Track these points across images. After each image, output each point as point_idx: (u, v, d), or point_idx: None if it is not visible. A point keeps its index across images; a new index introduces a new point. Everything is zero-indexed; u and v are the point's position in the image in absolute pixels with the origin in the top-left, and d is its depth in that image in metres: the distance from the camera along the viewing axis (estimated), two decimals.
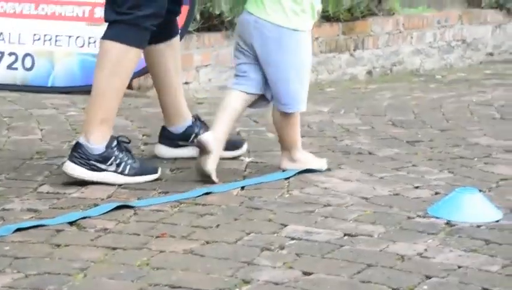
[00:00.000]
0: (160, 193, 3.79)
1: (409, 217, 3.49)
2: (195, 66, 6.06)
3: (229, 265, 2.96)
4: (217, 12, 5.99)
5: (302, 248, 3.15)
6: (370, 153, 4.48)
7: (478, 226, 3.39)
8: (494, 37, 7.95)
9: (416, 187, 3.90)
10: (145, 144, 4.63)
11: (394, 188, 3.88)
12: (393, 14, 7.10)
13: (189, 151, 4.29)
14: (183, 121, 4.37)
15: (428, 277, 2.88)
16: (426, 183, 3.97)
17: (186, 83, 6.01)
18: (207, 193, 3.77)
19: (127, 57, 3.97)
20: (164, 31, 4.19)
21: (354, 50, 6.71)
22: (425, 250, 3.13)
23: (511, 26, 8.08)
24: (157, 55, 4.30)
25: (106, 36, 3.99)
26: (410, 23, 7.24)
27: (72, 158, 3.88)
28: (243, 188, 3.88)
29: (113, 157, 3.91)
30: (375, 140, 4.76)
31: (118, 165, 3.92)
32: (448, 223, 3.41)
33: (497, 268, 2.98)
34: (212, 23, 6.04)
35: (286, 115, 4.06)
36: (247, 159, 4.34)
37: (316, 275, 2.90)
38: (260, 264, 2.98)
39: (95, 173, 3.87)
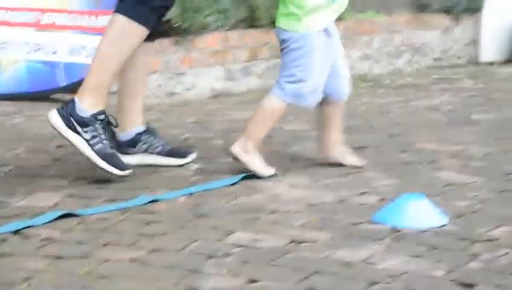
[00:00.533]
0: (106, 200, 3.77)
1: (354, 224, 3.51)
2: None
3: (174, 273, 2.96)
4: (166, 18, 5.98)
5: (247, 255, 3.15)
6: (316, 159, 4.49)
7: (423, 232, 3.41)
8: (442, 42, 8.02)
9: (363, 193, 3.91)
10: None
11: (340, 194, 3.89)
12: (343, 19, 7.12)
13: (135, 159, 4.28)
14: (134, 128, 4.38)
15: (373, 283, 2.88)
16: (373, 189, 3.99)
17: None
18: (153, 201, 3.76)
19: (130, 31, 4.09)
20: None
21: None
22: (370, 256, 3.14)
23: (458, 31, 8.14)
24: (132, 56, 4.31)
25: (116, 9, 4.13)
26: (359, 28, 7.27)
27: (59, 108, 4.02)
28: (190, 195, 3.88)
29: (92, 127, 4.01)
30: None
31: (93, 137, 4.00)
32: (393, 229, 3.43)
33: (441, 273, 2.99)
34: (161, 29, 6.03)
35: (271, 103, 4.24)
36: (195, 166, 4.34)
37: (262, 282, 2.90)
38: (205, 272, 2.98)
39: (69, 131, 3.98)
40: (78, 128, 3.99)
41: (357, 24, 7.22)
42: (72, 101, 4.04)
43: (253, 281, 2.91)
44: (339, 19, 7.03)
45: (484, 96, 6.47)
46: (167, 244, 3.25)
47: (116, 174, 4.00)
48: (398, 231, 3.41)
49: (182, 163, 4.35)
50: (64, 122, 3.98)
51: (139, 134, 4.35)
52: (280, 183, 4.07)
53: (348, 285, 2.88)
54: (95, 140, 4.00)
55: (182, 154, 4.37)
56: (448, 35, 7.99)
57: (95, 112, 4.02)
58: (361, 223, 3.52)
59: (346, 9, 7.07)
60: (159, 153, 4.34)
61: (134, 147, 4.33)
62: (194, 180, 4.11)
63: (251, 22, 6.38)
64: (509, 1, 8.04)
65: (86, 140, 3.98)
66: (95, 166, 3.98)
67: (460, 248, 3.26)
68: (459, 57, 8.25)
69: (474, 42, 8.24)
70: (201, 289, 2.84)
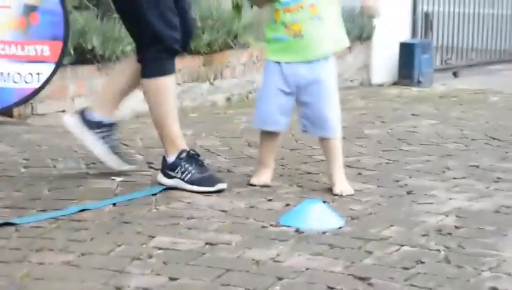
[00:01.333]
0: (39, 210, 3.72)
1: (263, 227, 3.54)
2: (70, 96, 6.01)
3: (103, 274, 2.95)
4: (89, 47, 5.96)
5: (168, 256, 3.16)
6: (228, 171, 4.51)
7: (323, 233, 3.46)
8: (337, 67, 8.09)
9: (269, 200, 3.94)
10: (25, 167, 4.53)
11: (250, 201, 3.92)
12: (248, 47, 7.17)
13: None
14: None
15: (280, 279, 2.92)
16: (278, 196, 4.02)
17: (63, 111, 5.95)
18: (82, 210, 3.73)
19: (164, 85, 4.19)
20: None
21: (214, 80, 6.75)
22: (277, 255, 3.18)
23: (351, 57, 8.22)
24: None
25: (143, 76, 4.17)
26: (263, 55, 7.31)
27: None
28: (114, 204, 3.86)
29: (179, 167, 4.14)
30: (233, 159, 4.79)
31: (183, 173, 4.12)
32: (297, 230, 3.47)
33: (340, 269, 3.04)
34: (85, 57, 6.00)
35: None
36: (119, 179, 4.31)
37: (181, 280, 2.92)
38: (131, 272, 2.98)
39: (168, 179, 4.16)
40: (172, 174, 4.15)
41: (261, 51, 7.26)
42: (163, 158, 4.22)
43: (174, 279, 2.93)
44: (245, 47, 7.17)
45: (374, 114, 6.53)
46: (95, 249, 3.24)
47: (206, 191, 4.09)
48: (302, 232, 3.46)
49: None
50: (165, 176, 4.17)
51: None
52: (195, 193, 4.07)
53: (258, 281, 2.91)
54: (184, 174, 4.13)
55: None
56: (343, 61, 8.06)
57: (177, 155, 4.16)
58: (269, 226, 3.55)
59: (251, 38, 7.27)
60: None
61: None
62: (118, 192, 4.09)
63: None
64: (395, 31, 8.15)
65: (180, 178, 4.13)
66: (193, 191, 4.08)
67: (356, 246, 3.30)
68: (352, 80, 8.35)
69: (366, 66, 8.34)
70: (127, 288, 2.85)
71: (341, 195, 3.96)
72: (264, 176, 4.20)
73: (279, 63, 4.02)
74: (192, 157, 4.18)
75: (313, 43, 3.97)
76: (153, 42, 4.08)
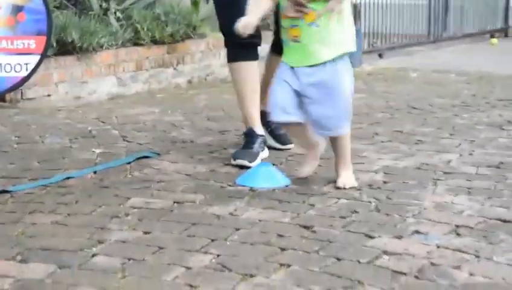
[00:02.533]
0: (30, 179, 3.71)
1: (221, 187, 3.56)
2: (54, 82, 5.96)
3: (87, 231, 2.97)
4: (69, 40, 5.90)
5: (142, 214, 3.17)
6: (191, 141, 4.50)
7: (273, 190, 3.48)
8: None
9: (227, 164, 3.95)
10: (17, 143, 4.48)
11: (210, 166, 3.92)
12: (205, 37, 7.15)
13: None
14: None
15: (237, 229, 2.96)
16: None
17: (48, 95, 5.90)
18: (67, 178, 3.71)
19: (253, 69, 4.14)
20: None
21: (177, 65, 6.71)
22: (235, 210, 3.20)
23: None
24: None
25: (234, 59, 4.13)
26: (218, 43, 7.30)
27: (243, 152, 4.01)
28: (95, 172, 3.84)
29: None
30: (195, 131, 4.77)
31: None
32: (251, 189, 3.49)
33: (287, 220, 3.08)
34: (66, 48, 5.95)
35: None
36: (98, 151, 4.28)
37: (154, 234, 2.94)
38: (111, 228, 3.01)
39: (261, 153, 4.02)
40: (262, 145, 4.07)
41: (217, 40, 7.24)
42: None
43: (147, 233, 2.95)
44: (203, 37, 7.14)
45: None
46: (79, 210, 3.24)
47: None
48: (255, 190, 3.49)
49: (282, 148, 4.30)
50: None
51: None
52: (163, 160, 4.07)
53: (219, 232, 2.94)
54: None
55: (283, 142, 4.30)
56: None
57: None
58: (227, 186, 3.57)
59: (208, 29, 7.24)
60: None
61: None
62: (97, 161, 4.07)
63: (136, 40, 6.35)
64: None
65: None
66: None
67: (301, 200, 3.34)
68: None
69: None
70: (109, 241, 2.86)
71: (344, 187, 3.52)
72: (306, 167, 3.74)
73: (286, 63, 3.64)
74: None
75: (310, 49, 3.51)
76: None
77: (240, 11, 3.58)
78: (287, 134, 4.21)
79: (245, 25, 3.49)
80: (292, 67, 3.57)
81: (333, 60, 3.51)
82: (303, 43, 3.51)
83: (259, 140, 4.06)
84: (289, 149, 4.25)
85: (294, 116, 3.59)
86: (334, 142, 3.63)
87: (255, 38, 3.96)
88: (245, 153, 3.97)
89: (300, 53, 3.53)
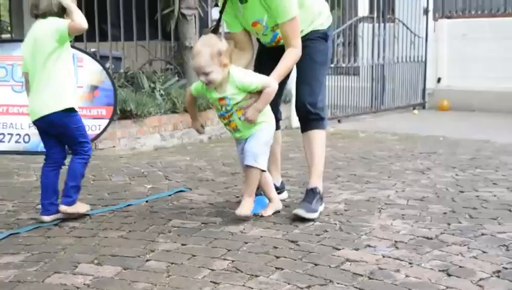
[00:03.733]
0: (103, 206, 3.68)
1: (233, 213, 3.45)
2: (118, 138, 5.95)
3: (142, 243, 2.96)
4: (128, 109, 5.93)
5: (180, 231, 3.13)
6: (212, 180, 4.40)
7: (269, 216, 3.43)
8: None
9: (237, 197, 3.87)
10: (93, 180, 4.44)
11: (225, 197, 3.84)
12: None
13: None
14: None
15: (246, 243, 2.90)
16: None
17: (113, 146, 5.87)
18: (128, 205, 3.69)
19: (324, 136, 3.59)
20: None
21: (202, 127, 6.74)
22: (244, 229, 3.12)
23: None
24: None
25: (314, 128, 3.52)
26: None
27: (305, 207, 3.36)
28: (147, 201, 3.82)
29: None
30: (215, 173, 4.68)
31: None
32: (254, 214, 3.40)
33: (280, 236, 3.04)
34: (126, 115, 5.97)
35: None
36: (148, 186, 4.25)
37: (188, 245, 2.89)
38: (159, 241, 2.99)
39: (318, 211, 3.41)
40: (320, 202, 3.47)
41: None
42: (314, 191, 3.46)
43: (184, 244, 2.92)
44: None
45: (295, 145, 6.37)
46: (137, 228, 3.23)
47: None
48: (256, 215, 3.39)
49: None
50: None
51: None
52: (194, 193, 4.01)
53: (233, 244, 2.88)
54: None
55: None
56: None
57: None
58: None
59: None
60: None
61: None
62: (148, 194, 4.04)
63: (173, 109, 6.36)
64: None
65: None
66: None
67: (288, 222, 3.28)
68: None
69: (288, 117, 8.09)
70: (157, 250, 2.82)
71: (236, 214, 3.26)
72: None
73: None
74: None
75: (247, 131, 3.31)
76: None
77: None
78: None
79: (196, 129, 3.54)
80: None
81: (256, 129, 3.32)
82: (240, 130, 3.33)
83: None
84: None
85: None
86: (246, 172, 3.33)
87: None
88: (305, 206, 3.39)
89: (239, 135, 3.36)
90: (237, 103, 3.23)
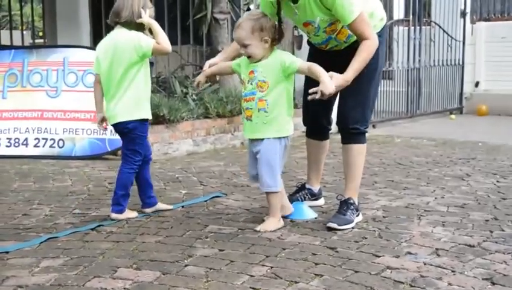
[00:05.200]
0: (139, 211, 3.70)
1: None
2: (151, 142, 6.00)
3: (180, 248, 2.98)
4: (161, 114, 6.00)
5: (217, 237, 3.15)
6: (247, 186, 4.44)
7: (306, 221, 3.42)
8: None
9: None
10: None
11: (261, 203, 3.84)
12: None
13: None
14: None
15: (283, 249, 2.90)
16: None
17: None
18: (157, 211, 3.69)
19: (364, 149, 3.48)
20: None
21: (234, 132, 6.72)
22: (281, 235, 3.14)
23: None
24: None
25: (353, 142, 3.43)
26: None
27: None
28: (183, 207, 3.85)
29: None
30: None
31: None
32: (291, 221, 3.43)
33: (318, 243, 3.03)
34: (159, 120, 6.04)
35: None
36: (184, 191, 4.29)
37: (226, 251, 2.91)
38: (196, 247, 3.00)
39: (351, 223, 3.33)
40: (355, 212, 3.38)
41: None
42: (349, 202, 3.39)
43: (222, 250, 2.93)
44: None
45: (330, 150, 6.41)
46: (174, 233, 3.25)
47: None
48: (294, 221, 3.44)
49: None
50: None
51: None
52: (229, 199, 4.05)
53: (271, 250, 2.90)
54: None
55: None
56: None
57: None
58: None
59: None
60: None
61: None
62: (184, 199, 4.08)
63: (206, 114, 6.42)
64: None
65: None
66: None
67: (326, 228, 3.28)
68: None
69: None
70: (195, 255, 2.84)
71: (259, 231, 3.22)
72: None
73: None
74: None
75: (256, 128, 3.24)
76: None
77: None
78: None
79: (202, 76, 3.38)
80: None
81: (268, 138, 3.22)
82: (253, 122, 3.24)
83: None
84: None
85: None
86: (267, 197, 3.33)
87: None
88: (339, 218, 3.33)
89: (250, 129, 3.28)
90: (263, 86, 3.14)
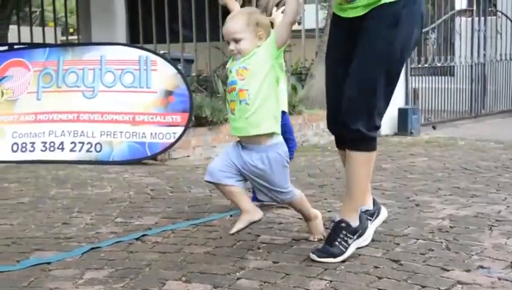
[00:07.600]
0: (184, 219, 3.77)
1: (326, 228, 3.44)
2: (192, 146, 6.11)
3: (231, 259, 2.99)
4: (204, 115, 6.07)
5: (270, 248, 3.16)
6: None
7: None
8: None
9: (329, 211, 3.91)
10: (171, 192, 4.59)
11: None
12: (302, 113, 7.23)
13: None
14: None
15: (343, 261, 2.92)
16: (334, 209, 4.01)
17: (188, 156, 6.04)
18: (211, 219, 3.76)
19: (371, 158, 3.03)
20: None
21: None
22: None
23: None
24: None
25: (354, 148, 2.97)
26: (311, 118, 7.37)
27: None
28: (231, 215, 3.89)
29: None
30: (300, 186, 4.68)
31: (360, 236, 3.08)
32: None
33: (380, 254, 3.03)
34: (201, 122, 6.12)
35: None
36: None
37: (281, 263, 2.93)
38: (248, 258, 3.01)
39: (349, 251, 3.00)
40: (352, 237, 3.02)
41: (310, 116, 7.31)
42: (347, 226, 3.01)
43: (276, 262, 2.93)
44: (300, 113, 7.20)
45: (386, 154, 6.49)
46: (223, 243, 3.27)
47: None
48: None
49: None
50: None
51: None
52: (281, 207, 3.97)
53: (330, 263, 2.95)
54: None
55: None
56: None
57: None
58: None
59: (303, 107, 7.29)
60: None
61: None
62: (232, 207, 3.98)
63: None
64: (395, 100, 8.13)
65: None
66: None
67: (388, 240, 3.29)
68: None
69: None
70: (248, 268, 2.86)
71: (315, 240, 3.22)
72: (239, 223, 3.10)
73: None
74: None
75: (239, 123, 2.99)
76: None
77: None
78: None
79: None
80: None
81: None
82: (236, 116, 2.98)
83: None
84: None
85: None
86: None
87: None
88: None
89: (233, 124, 3.05)
90: (243, 73, 2.89)
